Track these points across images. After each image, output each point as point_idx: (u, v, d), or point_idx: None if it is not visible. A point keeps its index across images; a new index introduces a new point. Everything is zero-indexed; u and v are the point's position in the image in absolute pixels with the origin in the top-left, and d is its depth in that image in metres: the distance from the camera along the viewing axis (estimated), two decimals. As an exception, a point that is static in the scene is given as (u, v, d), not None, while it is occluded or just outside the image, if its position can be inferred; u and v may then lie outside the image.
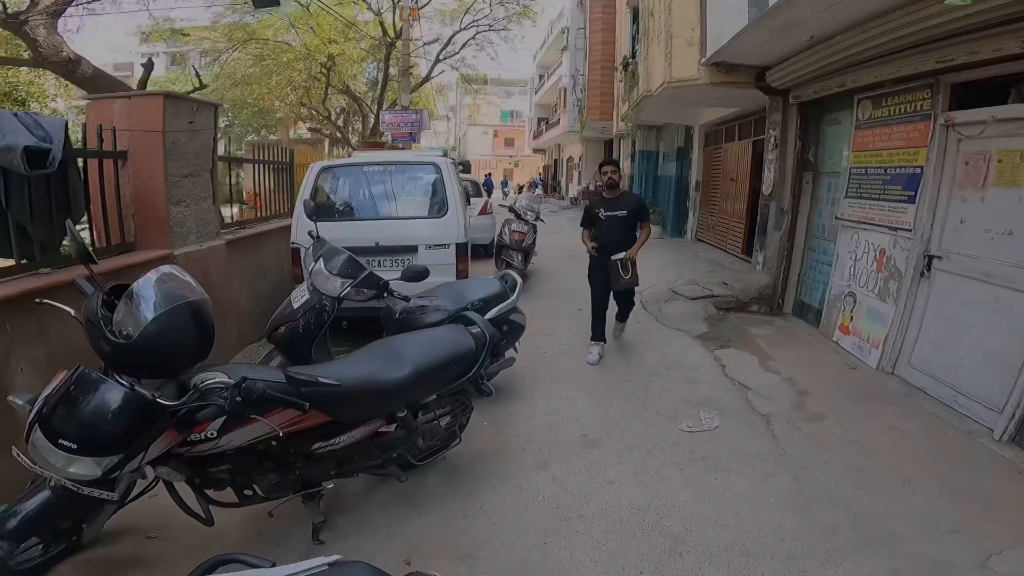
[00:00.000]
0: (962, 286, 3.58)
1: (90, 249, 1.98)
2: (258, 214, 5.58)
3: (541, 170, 32.73)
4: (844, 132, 4.87)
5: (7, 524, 1.74)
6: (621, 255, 4.23)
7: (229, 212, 5.55)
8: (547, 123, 27.76)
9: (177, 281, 1.89)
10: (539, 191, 26.00)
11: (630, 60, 10.06)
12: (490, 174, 27.48)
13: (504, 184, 31.44)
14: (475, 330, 2.66)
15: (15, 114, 2.64)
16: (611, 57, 13.12)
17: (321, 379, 1.92)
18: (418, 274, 3.18)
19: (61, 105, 11.80)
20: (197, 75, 6.94)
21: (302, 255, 3.31)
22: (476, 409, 2.90)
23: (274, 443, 2.00)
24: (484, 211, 8.79)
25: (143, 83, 6.32)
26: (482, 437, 3.16)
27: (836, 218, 4.94)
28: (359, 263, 3.04)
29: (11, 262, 2.65)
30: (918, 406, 3.62)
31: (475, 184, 10.43)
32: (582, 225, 4.56)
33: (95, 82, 5.79)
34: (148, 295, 1.77)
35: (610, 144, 17.02)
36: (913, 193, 3.89)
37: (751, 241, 7.00)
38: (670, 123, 11.11)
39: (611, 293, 4.44)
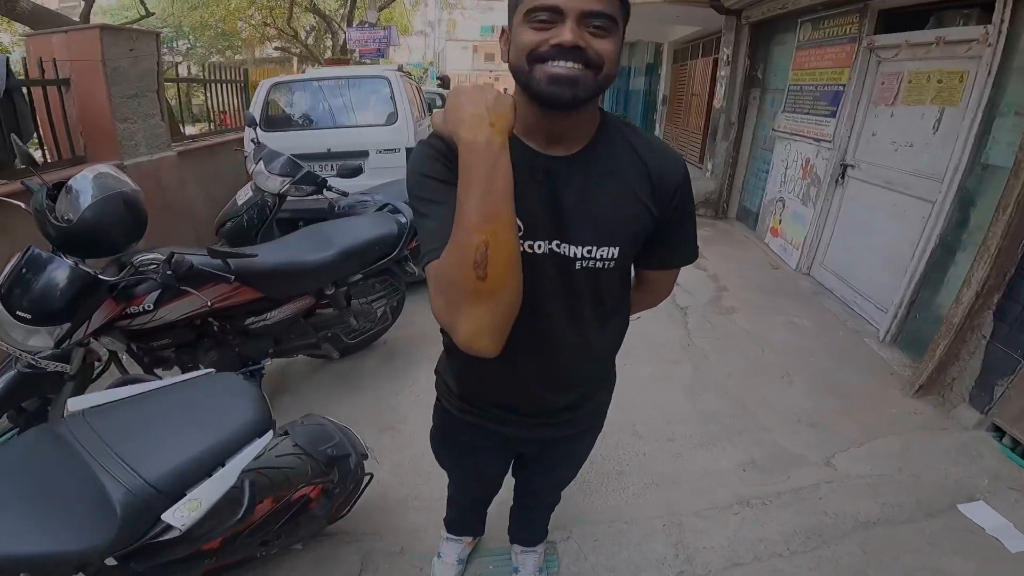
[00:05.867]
0: (868, 192, 3.88)
1: (31, 154, 2.18)
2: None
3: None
4: (788, 52, 5.10)
5: None
6: None
7: (201, 128, 6.20)
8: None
9: (110, 177, 2.09)
10: None
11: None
12: None
13: None
14: (401, 218, 2.94)
15: None
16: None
17: (237, 251, 2.16)
18: (351, 171, 3.47)
19: (7, 39, 11.34)
20: (143, 3, 6.85)
21: (245, 160, 3.55)
22: (418, 296, 3.17)
23: (211, 319, 2.29)
24: None
25: (86, 15, 6.26)
26: (421, 323, 3.43)
27: (773, 130, 5.22)
28: (297, 163, 3.29)
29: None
30: (821, 305, 3.96)
31: (443, 97, 10.50)
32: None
33: (35, 17, 5.78)
34: (84, 188, 1.97)
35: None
36: (836, 108, 4.19)
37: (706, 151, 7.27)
38: (641, 40, 11.00)
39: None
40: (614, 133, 0.97)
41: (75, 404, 1.23)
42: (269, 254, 2.40)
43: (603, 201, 0.94)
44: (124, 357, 2.19)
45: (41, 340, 1.79)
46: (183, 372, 2.29)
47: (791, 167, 4.85)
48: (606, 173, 0.95)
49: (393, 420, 2.62)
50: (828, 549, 1.94)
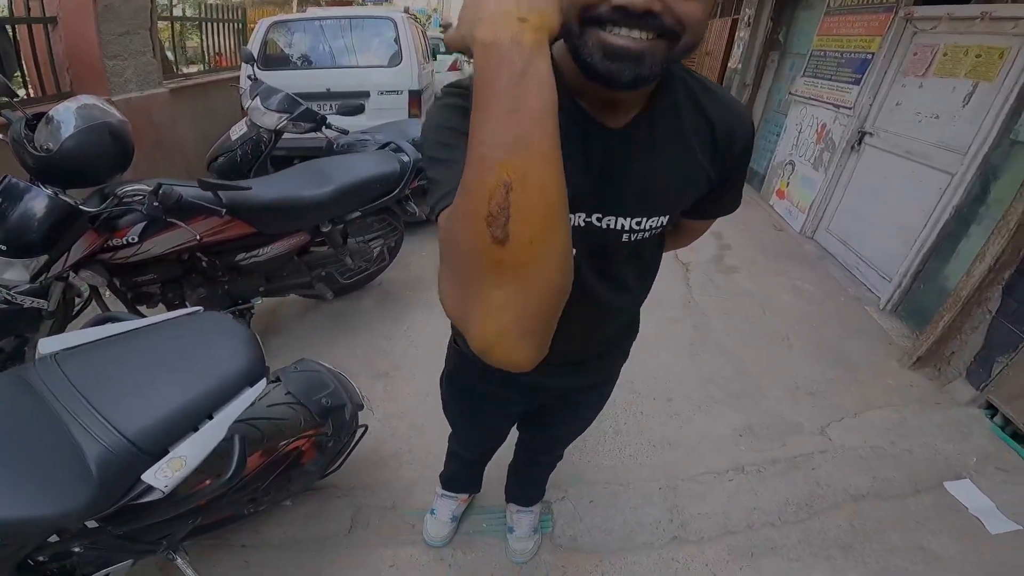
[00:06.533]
0: (885, 160, 3.80)
1: (8, 83, 2.05)
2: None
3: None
4: (815, 17, 4.95)
5: None
6: None
7: (196, 69, 6.06)
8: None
9: (95, 108, 1.97)
10: None
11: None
12: None
13: None
14: (404, 156, 2.84)
15: None
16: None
17: (229, 183, 2.04)
18: (353, 109, 3.42)
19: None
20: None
21: (241, 96, 3.43)
22: (416, 238, 3.10)
23: (200, 254, 2.20)
24: (454, 67, 8.75)
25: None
26: (418, 265, 3.38)
27: (789, 93, 5.08)
28: (296, 100, 3.17)
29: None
30: (824, 270, 3.91)
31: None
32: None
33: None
34: (67, 118, 1.87)
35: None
36: (860, 76, 4.08)
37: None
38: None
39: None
40: (678, 88, 0.79)
41: (46, 346, 1.12)
42: (263, 188, 2.29)
43: (660, 170, 0.78)
44: (106, 293, 2.10)
45: (16, 273, 1.71)
46: (168, 310, 2.24)
47: (805, 131, 4.75)
48: (666, 139, 0.78)
49: (386, 367, 2.56)
50: (817, 521, 1.93)
